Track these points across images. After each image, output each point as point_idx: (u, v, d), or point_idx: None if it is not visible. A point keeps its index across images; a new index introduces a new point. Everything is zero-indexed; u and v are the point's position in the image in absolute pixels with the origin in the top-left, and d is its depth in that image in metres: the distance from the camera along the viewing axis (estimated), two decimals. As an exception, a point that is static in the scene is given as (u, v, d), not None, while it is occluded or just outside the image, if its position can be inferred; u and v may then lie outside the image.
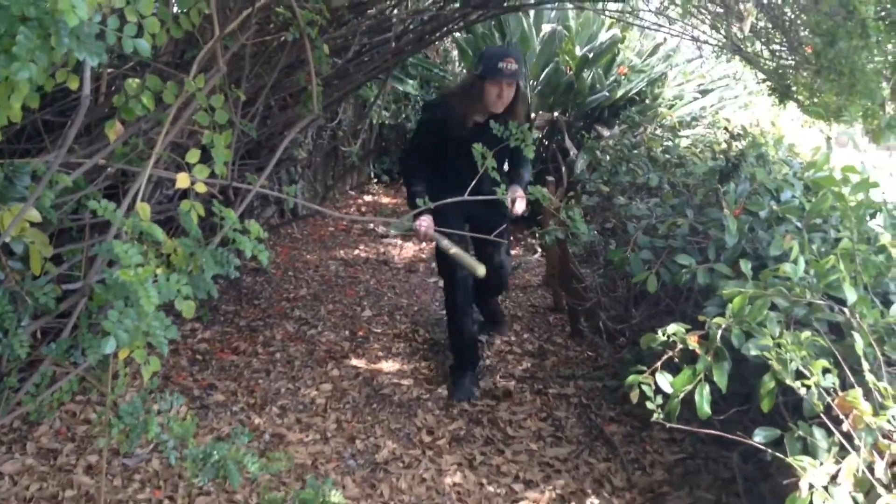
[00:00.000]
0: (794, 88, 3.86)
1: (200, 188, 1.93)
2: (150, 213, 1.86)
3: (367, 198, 7.74)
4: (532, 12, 6.38)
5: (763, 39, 3.98)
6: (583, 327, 4.14)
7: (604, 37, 6.25)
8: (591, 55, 6.09)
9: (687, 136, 5.13)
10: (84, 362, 2.65)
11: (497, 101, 3.32)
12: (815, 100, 3.63)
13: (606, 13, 5.33)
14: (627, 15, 5.16)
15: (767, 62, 4.08)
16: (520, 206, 3.39)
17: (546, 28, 6.24)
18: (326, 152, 6.83)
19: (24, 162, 1.83)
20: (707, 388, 1.86)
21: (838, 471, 1.42)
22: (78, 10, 0.82)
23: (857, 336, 1.65)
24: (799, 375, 1.71)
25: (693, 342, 2.06)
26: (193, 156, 1.97)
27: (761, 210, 2.64)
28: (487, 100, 3.32)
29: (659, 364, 2.04)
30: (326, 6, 2.68)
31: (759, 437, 1.67)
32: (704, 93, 6.22)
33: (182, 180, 1.91)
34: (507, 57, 3.26)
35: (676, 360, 2.07)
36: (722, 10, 3.32)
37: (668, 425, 1.86)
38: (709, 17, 3.79)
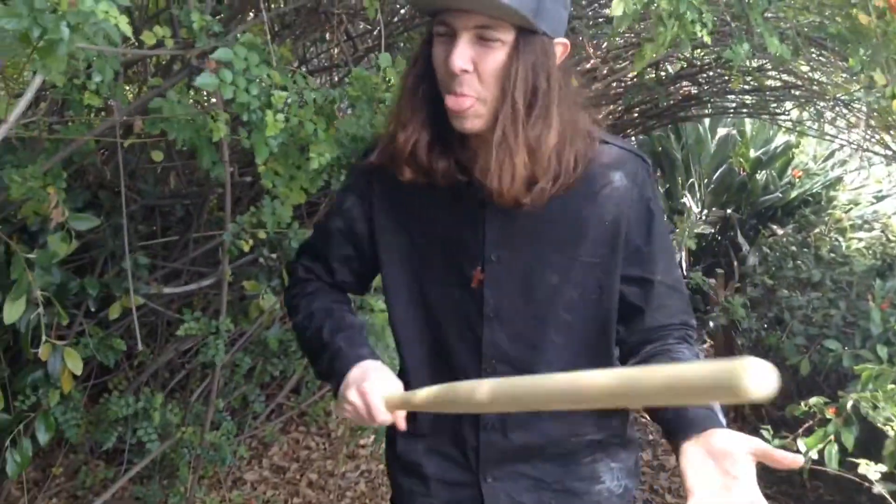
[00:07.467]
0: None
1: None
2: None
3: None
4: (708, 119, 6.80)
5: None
6: (746, 412, 4.38)
7: (779, 141, 6.55)
8: (764, 158, 6.40)
9: (860, 239, 5.28)
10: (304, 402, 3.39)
11: (455, 94, 1.14)
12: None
13: (779, 122, 5.67)
14: (801, 125, 5.48)
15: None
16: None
17: (721, 132, 6.62)
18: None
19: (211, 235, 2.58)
20: (836, 447, 2.20)
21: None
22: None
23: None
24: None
25: (830, 413, 2.40)
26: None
27: (908, 305, 2.92)
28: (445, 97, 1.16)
29: (801, 430, 2.41)
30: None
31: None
32: (881, 198, 6.32)
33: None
34: None
35: (816, 427, 2.42)
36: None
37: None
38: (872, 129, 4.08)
